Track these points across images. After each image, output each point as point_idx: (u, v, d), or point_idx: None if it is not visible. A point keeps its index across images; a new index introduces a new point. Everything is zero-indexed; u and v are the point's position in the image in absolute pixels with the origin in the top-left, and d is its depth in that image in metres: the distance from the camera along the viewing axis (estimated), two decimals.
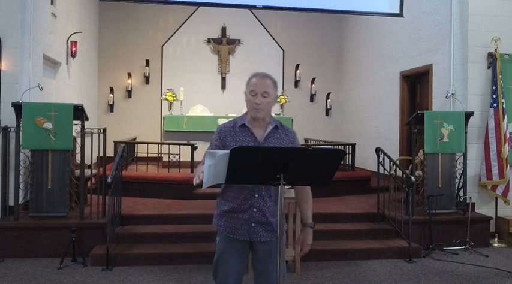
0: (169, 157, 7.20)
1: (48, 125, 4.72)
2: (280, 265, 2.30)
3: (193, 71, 9.79)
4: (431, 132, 5.39)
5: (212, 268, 2.46)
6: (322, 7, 6.20)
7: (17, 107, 4.74)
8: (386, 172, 5.50)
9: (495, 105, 5.51)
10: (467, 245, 5.25)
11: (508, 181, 5.53)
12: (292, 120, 8.70)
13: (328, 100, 10.44)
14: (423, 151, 5.48)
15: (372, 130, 8.70)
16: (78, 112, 4.85)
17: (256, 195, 2.35)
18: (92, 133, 5.14)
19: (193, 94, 9.34)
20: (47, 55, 6.19)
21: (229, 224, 2.38)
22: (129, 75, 9.76)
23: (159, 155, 7.47)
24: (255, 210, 2.35)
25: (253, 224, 2.35)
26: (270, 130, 2.40)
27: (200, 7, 9.53)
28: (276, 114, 8.90)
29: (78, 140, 4.96)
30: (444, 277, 4.34)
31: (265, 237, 2.38)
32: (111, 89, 9.68)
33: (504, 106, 5.51)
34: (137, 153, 8.14)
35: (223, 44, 10.04)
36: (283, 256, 2.37)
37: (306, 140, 9.74)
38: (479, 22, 5.73)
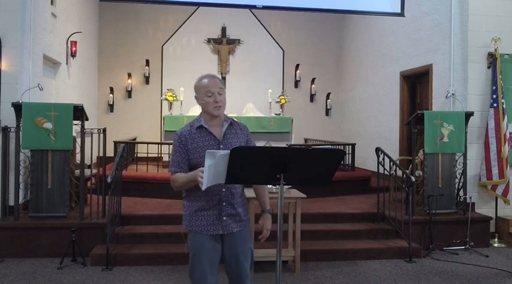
0: (169, 157, 7.17)
1: (48, 125, 4.72)
2: (251, 254, 2.54)
3: (193, 70, 9.66)
4: (431, 132, 5.38)
5: (188, 269, 2.50)
6: (323, 7, 6.19)
7: (17, 107, 4.74)
8: (386, 172, 5.50)
9: (495, 105, 5.51)
10: (467, 245, 5.25)
11: (508, 181, 5.53)
12: (292, 120, 8.71)
13: (328, 100, 10.44)
14: (423, 151, 5.48)
15: (372, 130, 8.70)
16: (78, 112, 4.85)
17: (224, 189, 2.42)
18: (92, 133, 5.14)
19: (193, 94, 9.30)
20: (47, 55, 6.19)
21: (200, 222, 2.43)
22: (129, 75, 9.76)
23: (159, 155, 7.47)
24: (224, 203, 2.43)
25: (224, 218, 2.43)
26: (226, 127, 2.49)
27: (200, 7, 9.53)
28: (276, 114, 8.92)
29: (78, 140, 4.96)
30: (444, 277, 4.34)
31: (236, 228, 2.47)
32: (111, 89, 9.68)
33: (504, 106, 5.51)
34: (137, 153, 8.14)
35: (223, 44, 10.04)
36: (251, 244, 2.56)
37: (306, 140, 9.75)
38: (479, 22, 5.73)
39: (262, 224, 2.60)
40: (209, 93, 2.42)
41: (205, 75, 2.52)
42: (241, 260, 2.48)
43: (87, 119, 4.99)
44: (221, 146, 2.42)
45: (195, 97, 2.52)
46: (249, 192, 2.79)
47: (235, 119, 2.59)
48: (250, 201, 3.82)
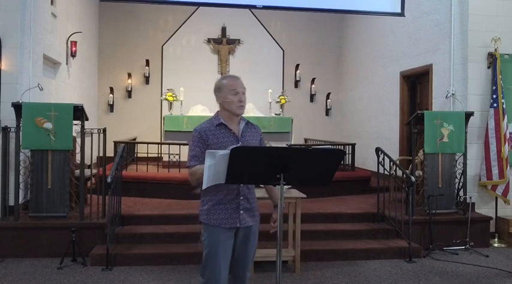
0: (169, 157, 7.21)
1: (48, 125, 4.72)
2: (255, 248, 2.65)
3: (193, 70, 9.79)
4: (431, 132, 5.38)
5: (201, 266, 2.53)
6: (323, 7, 6.19)
7: (17, 107, 4.74)
8: (386, 172, 5.50)
9: (495, 105, 5.51)
10: (467, 245, 5.25)
11: (508, 181, 5.52)
12: (292, 120, 8.72)
13: (328, 100, 10.44)
14: (423, 151, 5.48)
15: (372, 130, 8.70)
16: (78, 112, 4.85)
17: (242, 184, 2.49)
18: (92, 133, 5.14)
19: (193, 94, 9.33)
20: (47, 55, 6.19)
21: (218, 215, 2.49)
22: (129, 75, 9.76)
23: (159, 155, 7.47)
24: (241, 198, 2.52)
25: (241, 212, 2.52)
26: (244, 126, 2.60)
27: (200, 7, 9.53)
28: (276, 114, 8.92)
29: (78, 140, 4.96)
30: (444, 277, 4.34)
31: (250, 222, 2.56)
32: (111, 89, 9.68)
33: (504, 106, 5.51)
34: (137, 153, 8.14)
35: (223, 44, 10.04)
36: (255, 239, 2.63)
37: (306, 140, 9.75)
38: (479, 22, 5.73)
39: (276, 218, 2.64)
40: (234, 92, 2.52)
41: (230, 75, 2.66)
42: (250, 255, 2.59)
43: (87, 119, 4.99)
44: (239, 143, 2.50)
45: (216, 95, 2.60)
46: (257, 192, 2.83)
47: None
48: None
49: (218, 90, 2.59)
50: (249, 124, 2.64)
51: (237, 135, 2.54)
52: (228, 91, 2.52)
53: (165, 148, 7.42)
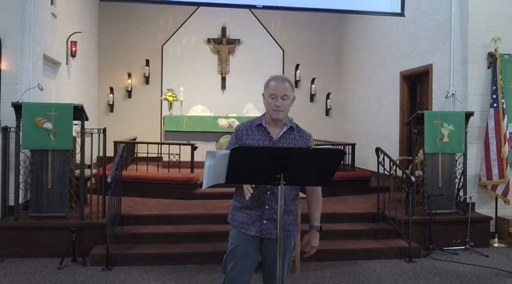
0: (169, 157, 7.21)
1: (48, 125, 4.72)
2: (286, 263, 2.48)
3: (193, 70, 9.79)
4: (431, 132, 5.39)
5: (222, 262, 2.53)
6: (323, 7, 6.18)
7: (17, 107, 4.74)
8: (386, 172, 5.50)
9: (495, 105, 5.51)
10: (467, 245, 5.25)
11: (508, 181, 5.53)
12: (292, 120, 8.69)
13: (328, 100, 10.43)
14: (423, 151, 5.48)
15: (372, 130, 8.70)
16: (78, 112, 4.85)
17: (269, 193, 2.41)
18: (92, 133, 5.14)
19: (193, 94, 9.34)
20: (47, 55, 6.19)
21: (241, 219, 2.45)
22: (129, 75, 9.75)
23: (159, 155, 7.47)
24: (266, 207, 2.41)
25: (264, 221, 2.41)
26: (285, 131, 2.48)
27: (200, 7, 9.53)
28: None
29: (78, 140, 4.96)
30: (444, 277, 4.34)
31: (275, 234, 2.39)
32: (111, 89, 9.68)
33: (504, 106, 5.51)
34: (137, 153, 8.14)
35: (223, 44, 10.03)
36: (290, 254, 2.53)
37: None
38: (479, 22, 5.73)
39: (308, 240, 2.54)
40: (273, 95, 2.42)
41: (277, 76, 2.51)
42: (278, 268, 2.32)
43: (87, 119, 4.99)
44: None
45: (262, 94, 2.53)
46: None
47: (298, 125, 2.60)
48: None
49: (264, 89, 2.50)
50: (295, 130, 2.51)
51: (274, 139, 2.45)
52: (268, 94, 2.44)
53: (165, 148, 7.42)
